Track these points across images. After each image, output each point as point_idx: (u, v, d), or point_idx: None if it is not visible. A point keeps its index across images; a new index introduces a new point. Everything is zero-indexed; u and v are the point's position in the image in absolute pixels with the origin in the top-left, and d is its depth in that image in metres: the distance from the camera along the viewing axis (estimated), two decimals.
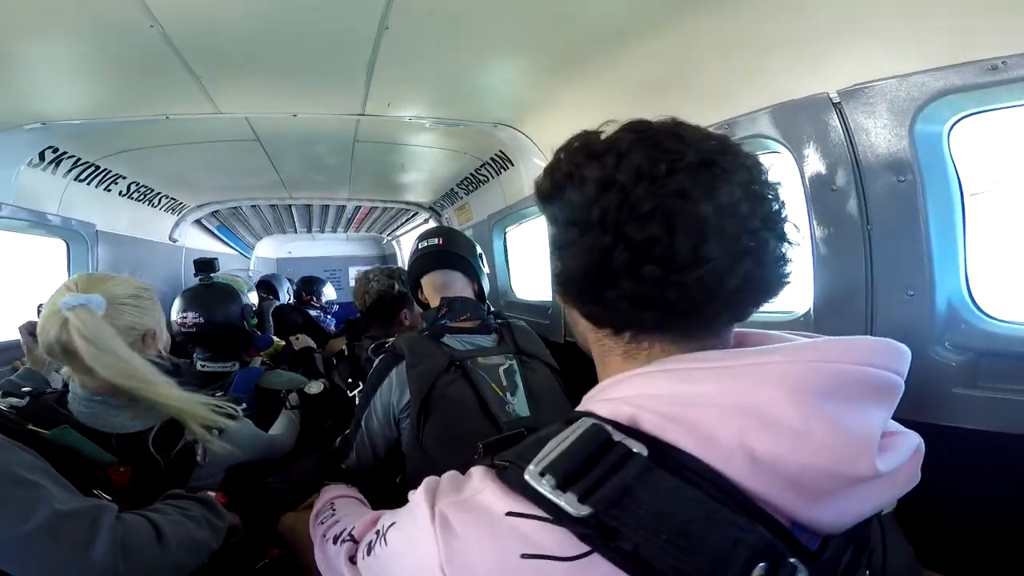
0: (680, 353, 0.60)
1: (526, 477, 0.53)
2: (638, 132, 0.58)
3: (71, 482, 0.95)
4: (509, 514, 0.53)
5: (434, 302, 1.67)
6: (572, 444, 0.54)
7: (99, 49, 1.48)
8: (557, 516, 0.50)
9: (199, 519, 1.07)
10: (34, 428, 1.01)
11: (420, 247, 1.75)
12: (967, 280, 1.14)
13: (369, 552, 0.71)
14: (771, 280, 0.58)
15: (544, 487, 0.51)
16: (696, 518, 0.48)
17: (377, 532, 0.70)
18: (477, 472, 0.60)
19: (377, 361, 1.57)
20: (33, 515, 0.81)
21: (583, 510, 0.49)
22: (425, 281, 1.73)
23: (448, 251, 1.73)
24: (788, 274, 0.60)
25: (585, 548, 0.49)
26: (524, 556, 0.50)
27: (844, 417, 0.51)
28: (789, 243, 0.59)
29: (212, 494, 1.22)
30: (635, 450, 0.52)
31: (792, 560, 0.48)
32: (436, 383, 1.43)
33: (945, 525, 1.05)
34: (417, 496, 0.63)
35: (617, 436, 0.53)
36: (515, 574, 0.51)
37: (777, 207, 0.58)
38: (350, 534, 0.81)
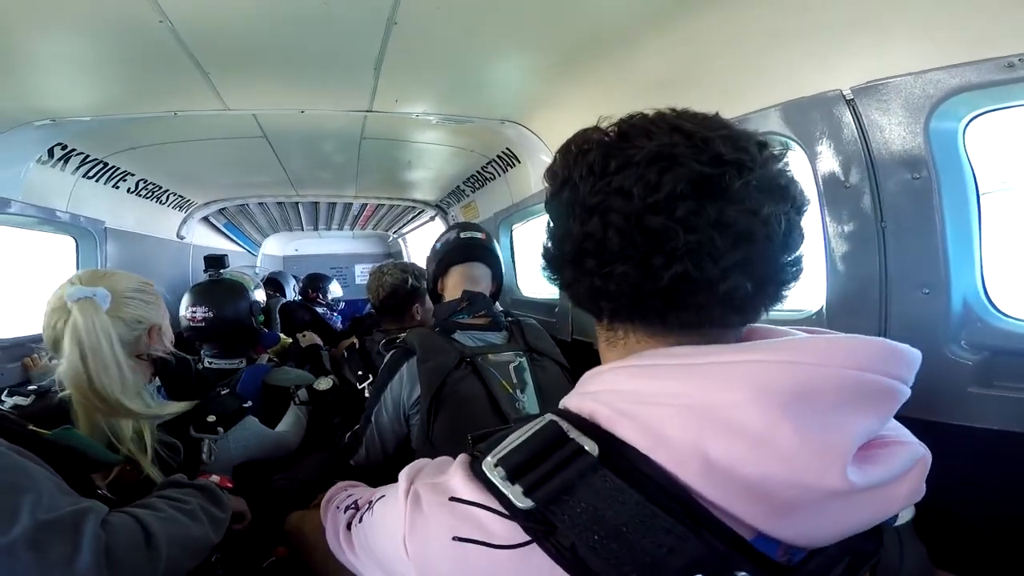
0: (656, 347, 0.59)
1: (483, 467, 0.56)
2: (620, 125, 0.59)
3: (77, 482, 0.93)
4: (452, 499, 0.56)
5: (454, 293, 1.67)
6: (527, 439, 0.56)
7: (108, 45, 1.48)
8: (507, 506, 0.52)
9: (196, 512, 1.03)
10: (35, 429, 0.96)
11: (462, 236, 1.74)
12: (983, 278, 1.13)
13: (360, 520, 0.76)
14: (723, 283, 0.53)
15: (496, 477, 0.54)
16: (631, 522, 0.48)
17: (370, 502, 0.75)
18: (458, 459, 0.62)
19: (388, 356, 1.58)
20: (13, 525, 0.76)
21: (527, 503, 0.51)
22: (456, 270, 1.73)
23: (488, 247, 1.76)
24: (763, 282, 0.55)
25: (525, 538, 0.51)
26: (455, 539, 0.54)
27: (814, 424, 0.48)
28: (778, 251, 0.55)
29: (216, 478, 1.21)
30: (586, 448, 0.53)
31: (741, 574, 0.47)
32: (447, 379, 1.43)
33: (958, 525, 1.04)
34: (402, 473, 0.67)
35: (573, 433, 0.54)
36: (463, 554, 0.54)
37: (752, 206, 0.53)
38: (355, 503, 0.83)
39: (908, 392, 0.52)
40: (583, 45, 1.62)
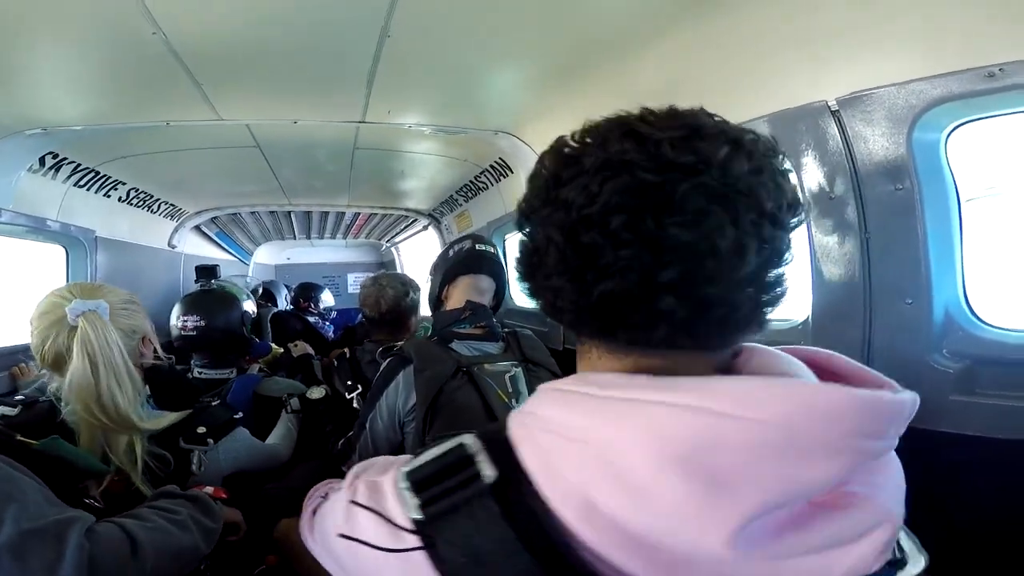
0: (612, 364, 0.56)
1: (396, 474, 0.58)
2: (586, 131, 0.54)
3: (65, 492, 0.93)
4: (351, 502, 0.60)
5: (458, 303, 1.68)
6: (437, 456, 0.57)
7: (101, 55, 1.49)
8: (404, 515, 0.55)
9: (185, 523, 1.03)
10: (23, 439, 0.98)
11: (477, 248, 1.75)
12: (964, 288, 1.15)
13: (322, 507, 0.78)
14: (657, 303, 0.47)
15: (402, 486, 0.56)
16: (495, 554, 0.49)
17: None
18: (398, 461, 0.64)
19: (385, 364, 1.59)
20: None
21: (418, 515, 0.53)
22: (464, 280, 1.73)
23: (497, 261, 1.77)
24: (706, 305, 0.48)
25: (411, 545, 0.53)
26: (340, 536, 0.59)
27: (709, 481, 0.43)
28: (727, 269, 0.47)
29: (210, 489, 1.21)
30: (484, 472, 0.53)
31: None
32: (443, 388, 1.43)
33: (941, 530, 1.05)
34: (352, 468, 0.70)
35: (480, 456, 0.54)
36: (382, 552, 0.56)
37: (695, 216, 0.46)
38: (326, 493, 0.84)
39: (869, 447, 0.45)
40: (574, 57, 1.64)
